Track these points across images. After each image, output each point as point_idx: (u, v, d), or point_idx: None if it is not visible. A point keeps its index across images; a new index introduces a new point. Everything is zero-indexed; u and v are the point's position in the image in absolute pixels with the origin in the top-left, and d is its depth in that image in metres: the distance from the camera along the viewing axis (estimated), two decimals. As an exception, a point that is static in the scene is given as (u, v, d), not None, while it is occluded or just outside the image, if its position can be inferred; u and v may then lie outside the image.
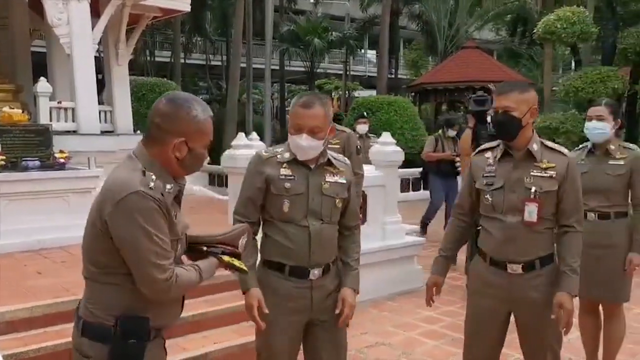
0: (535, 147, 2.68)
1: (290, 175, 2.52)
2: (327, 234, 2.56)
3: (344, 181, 2.61)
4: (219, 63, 30.32)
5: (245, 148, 6.41)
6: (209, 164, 14.08)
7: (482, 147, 2.90)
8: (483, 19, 25.12)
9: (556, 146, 2.76)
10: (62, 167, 6.25)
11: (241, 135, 6.90)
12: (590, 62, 18.96)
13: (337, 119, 5.89)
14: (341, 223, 2.67)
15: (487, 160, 2.78)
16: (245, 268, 2.15)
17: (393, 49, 27.16)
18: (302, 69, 28.78)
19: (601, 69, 8.90)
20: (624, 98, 8.10)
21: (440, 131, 7.81)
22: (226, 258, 2.07)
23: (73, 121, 7.88)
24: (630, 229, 3.56)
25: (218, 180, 13.47)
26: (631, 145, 3.70)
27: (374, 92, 22.50)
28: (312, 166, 2.55)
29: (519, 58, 25.62)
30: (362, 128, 8.54)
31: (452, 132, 7.87)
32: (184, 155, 1.93)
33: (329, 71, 32.52)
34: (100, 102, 8.62)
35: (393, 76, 29.04)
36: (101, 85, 9.06)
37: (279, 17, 27.10)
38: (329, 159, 2.60)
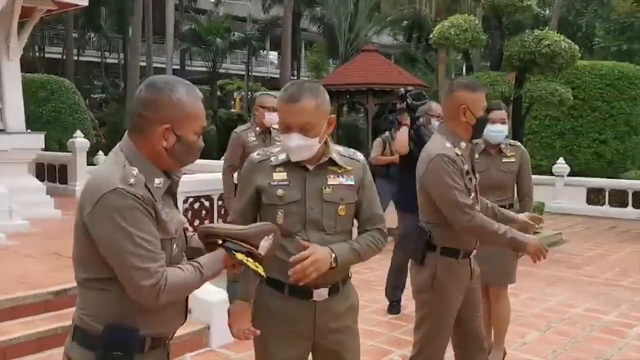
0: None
1: (284, 181, 2.13)
2: None
3: (351, 182, 2.17)
4: (116, 61, 29.22)
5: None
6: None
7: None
8: (381, 24, 25.98)
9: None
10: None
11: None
12: (480, 67, 20.19)
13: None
14: (360, 230, 2.27)
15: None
16: (262, 272, 1.87)
17: (295, 51, 27.45)
18: (204, 69, 28.35)
19: (490, 74, 9.55)
20: (510, 101, 8.70)
21: (387, 133, 6.77)
22: (240, 256, 1.82)
23: (-42, 119, 7.36)
24: None
25: (118, 182, 13.01)
26: (517, 143, 4.09)
27: (277, 93, 22.57)
28: (311, 167, 2.15)
29: (415, 62, 26.72)
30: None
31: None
32: (172, 145, 1.73)
33: (231, 72, 32.24)
34: (-12, 99, 8.09)
35: (295, 77, 29.29)
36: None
37: (180, 16, 26.56)
38: (331, 158, 2.17)
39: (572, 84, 12.43)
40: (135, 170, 1.68)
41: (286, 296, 2.15)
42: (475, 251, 2.82)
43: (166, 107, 1.71)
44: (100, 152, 13.95)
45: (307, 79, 29.75)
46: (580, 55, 9.25)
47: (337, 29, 24.93)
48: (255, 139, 4.87)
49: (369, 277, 6.21)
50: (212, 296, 4.43)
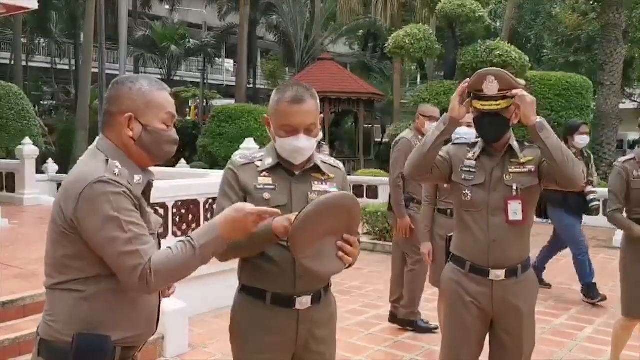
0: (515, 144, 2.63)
1: (270, 185, 2.09)
2: None
3: (333, 189, 2.15)
4: (66, 67, 28.49)
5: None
6: (57, 173, 13.24)
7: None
8: (337, 33, 26.22)
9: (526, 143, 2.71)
10: None
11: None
12: (434, 77, 20.56)
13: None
14: None
15: (467, 153, 2.67)
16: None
17: (251, 59, 27.33)
18: (159, 76, 27.92)
19: (444, 83, 9.75)
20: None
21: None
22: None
23: None
24: None
25: (68, 191, 12.66)
26: None
27: (232, 101, 22.45)
28: (297, 172, 2.13)
29: (371, 71, 27.04)
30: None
31: (582, 139, 6.08)
32: (139, 134, 1.74)
33: (186, 79, 31.89)
34: None
35: (251, 86, 29.19)
36: None
37: (133, 22, 26.11)
38: (315, 164, 2.16)
39: (522, 93, 12.78)
40: (117, 164, 1.69)
41: (268, 305, 2.09)
42: (501, 275, 2.56)
43: (126, 96, 1.75)
44: (50, 160, 13.55)
45: (263, 87, 29.73)
46: (529, 66, 9.53)
47: (294, 37, 25.01)
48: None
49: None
50: (166, 306, 4.33)
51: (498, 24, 22.71)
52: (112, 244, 1.60)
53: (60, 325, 1.65)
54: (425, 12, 15.59)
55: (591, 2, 18.80)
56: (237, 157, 2.18)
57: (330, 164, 2.22)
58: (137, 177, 1.73)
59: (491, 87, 2.45)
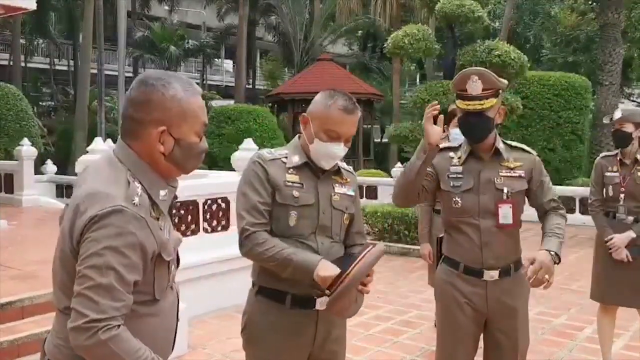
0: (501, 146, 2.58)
1: (298, 183, 2.10)
2: (335, 254, 2.14)
3: (352, 193, 2.24)
4: (65, 68, 28.45)
5: (103, 153, 6.10)
6: (55, 173, 13.23)
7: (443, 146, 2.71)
8: (336, 34, 26.19)
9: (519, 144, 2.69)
10: None
11: (98, 139, 6.56)
12: (433, 77, 20.56)
13: None
14: (345, 243, 2.26)
15: (451, 160, 2.61)
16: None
17: (250, 60, 27.36)
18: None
19: (444, 83, 9.70)
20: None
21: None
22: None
23: None
24: None
25: (67, 192, 12.66)
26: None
27: (231, 102, 22.45)
28: (321, 174, 2.16)
29: (370, 72, 27.05)
30: None
31: None
32: (170, 149, 1.54)
33: (185, 80, 31.77)
34: None
35: (250, 86, 29.19)
36: None
37: (132, 23, 26.09)
38: (338, 167, 2.23)
39: (521, 93, 12.79)
40: (139, 189, 1.50)
41: (287, 307, 2.10)
42: (495, 275, 2.55)
43: (159, 106, 1.52)
44: (49, 161, 13.55)
45: (262, 87, 29.71)
46: (528, 66, 9.53)
47: (293, 38, 24.99)
48: None
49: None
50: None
51: (497, 24, 22.71)
52: (87, 275, 1.41)
53: (70, 351, 1.48)
54: (424, 12, 15.61)
55: (590, 2, 18.84)
56: (264, 152, 2.17)
57: (346, 169, 2.28)
58: (162, 193, 1.56)
59: (475, 86, 2.45)
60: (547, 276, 2.34)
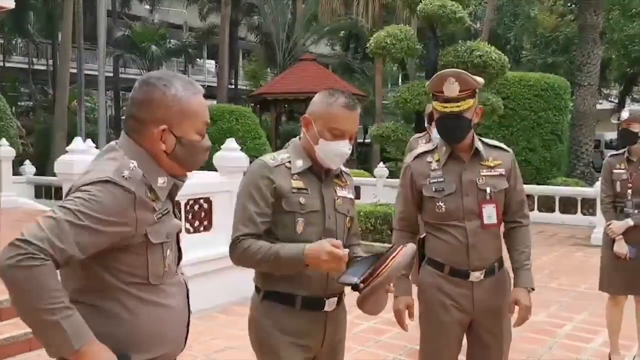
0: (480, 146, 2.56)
1: (304, 189, 2.07)
2: None
3: (351, 196, 2.24)
4: (44, 67, 28.10)
5: (82, 154, 6.00)
6: (34, 174, 13.06)
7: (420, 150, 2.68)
8: (319, 34, 26.20)
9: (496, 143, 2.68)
10: None
11: (78, 139, 6.46)
12: (415, 77, 20.63)
13: None
14: (347, 243, 2.23)
15: (429, 164, 2.57)
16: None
17: (232, 60, 27.24)
18: (139, 77, 27.61)
19: (426, 83, 9.77)
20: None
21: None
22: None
23: None
24: None
25: (46, 193, 12.52)
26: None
27: (214, 102, 22.35)
28: (324, 177, 2.15)
29: (352, 72, 27.09)
30: None
31: None
32: (172, 147, 1.58)
33: (166, 80, 31.57)
34: None
35: (233, 86, 29.07)
36: None
37: (113, 22, 25.85)
38: (341, 170, 2.22)
39: (502, 94, 12.91)
40: (133, 164, 1.52)
41: (297, 310, 2.09)
42: (481, 276, 2.55)
43: (160, 105, 1.56)
44: (27, 161, 13.39)
45: (244, 88, 29.62)
46: (509, 66, 9.62)
47: (275, 38, 24.94)
48: None
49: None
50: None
51: (478, 25, 22.92)
52: (49, 214, 1.41)
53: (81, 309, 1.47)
54: (406, 12, 15.68)
55: (569, 4, 19.08)
56: (267, 158, 2.11)
57: (344, 171, 2.26)
58: (160, 180, 1.58)
59: (452, 88, 2.44)
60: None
